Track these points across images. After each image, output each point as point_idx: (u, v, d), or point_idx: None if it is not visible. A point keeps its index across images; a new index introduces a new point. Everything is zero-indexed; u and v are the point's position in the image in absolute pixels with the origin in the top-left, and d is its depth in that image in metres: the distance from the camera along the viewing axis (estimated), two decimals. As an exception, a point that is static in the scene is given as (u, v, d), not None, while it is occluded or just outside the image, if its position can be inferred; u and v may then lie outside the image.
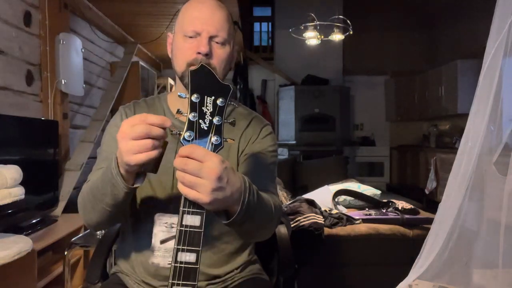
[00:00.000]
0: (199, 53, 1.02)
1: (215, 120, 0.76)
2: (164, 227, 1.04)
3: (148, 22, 4.29)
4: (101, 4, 3.63)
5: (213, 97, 0.76)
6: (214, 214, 0.84)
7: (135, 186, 0.87)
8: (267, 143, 1.13)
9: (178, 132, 0.76)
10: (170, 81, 6.01)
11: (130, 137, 0.78)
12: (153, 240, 1.04)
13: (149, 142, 0.77)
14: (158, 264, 1.04)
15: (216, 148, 0.76)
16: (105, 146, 1.10)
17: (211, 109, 0.76)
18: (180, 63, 1.06)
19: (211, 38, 1.03)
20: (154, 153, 0.79)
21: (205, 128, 0.76)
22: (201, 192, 0.73)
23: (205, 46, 1.01)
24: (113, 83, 4.17)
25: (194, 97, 0.76)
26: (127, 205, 0.96)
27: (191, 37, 1.03)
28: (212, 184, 0.72)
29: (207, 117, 0.76)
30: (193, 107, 0.76)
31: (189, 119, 0.75)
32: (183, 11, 1.08)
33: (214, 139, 0.76)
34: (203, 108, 0.76)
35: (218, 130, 0.76)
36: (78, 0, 3.31)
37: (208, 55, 1.02)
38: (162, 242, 1.04)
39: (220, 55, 1.04)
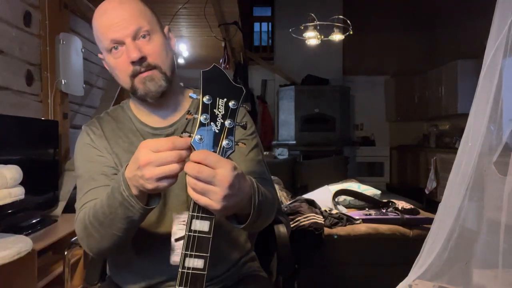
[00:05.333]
0: (133, 62, 0.95)
1: (227, 123, 0.74)
2: (182, 225, 1.01)
3: (148, 22, 4.28)
4: (101, 4, 3.63)
5: (225, 99, 0.74)
6: (226, 219, 0.84)
7: (151, 207, 0.83)
8: (246, 126, 1.10)
9: (189, 134, 0.74)
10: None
11: (156, 163, 0.73)
12: (172, 239, 1.00)
13: (176, 167, 0.74)
14: (177, 262, 0.98)
15: (227, 152, 0.74)
16: (82, 169, 1.03)
17: (223, 112, 0.74)
18: (123, 80, 0.99)
19: (134, 38, 0.95)
20: (176, 179, 0.76)
21: (217, 131, 0.73)
22: (213, 199, 0.71)
23: (133, 51, 0.94)
24: (113, 83, 4.16)
25: (206, 99, 0.73)
26: (137, 228, 0.91)
27: (116, 48, 0.96)
28: (224, 192, 0.71)
29: (219, 119, 0.73)
30: (204, 109, 0.73)
31: (200, 121, 0.73)
32: (94, 25, 0.98)
33: (225, 142, 0.74)
34: (214, 110, 0.73)
35: (230, 134, 0.74)
36: (78, 0, 3.31)
37: (143, 58, 0.95)
38: (177, 240, 1.01)
39: (153, 50, 0.97)
